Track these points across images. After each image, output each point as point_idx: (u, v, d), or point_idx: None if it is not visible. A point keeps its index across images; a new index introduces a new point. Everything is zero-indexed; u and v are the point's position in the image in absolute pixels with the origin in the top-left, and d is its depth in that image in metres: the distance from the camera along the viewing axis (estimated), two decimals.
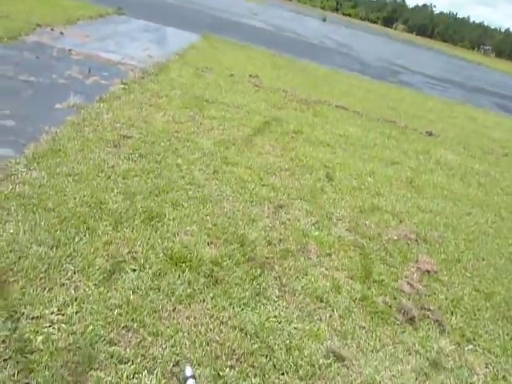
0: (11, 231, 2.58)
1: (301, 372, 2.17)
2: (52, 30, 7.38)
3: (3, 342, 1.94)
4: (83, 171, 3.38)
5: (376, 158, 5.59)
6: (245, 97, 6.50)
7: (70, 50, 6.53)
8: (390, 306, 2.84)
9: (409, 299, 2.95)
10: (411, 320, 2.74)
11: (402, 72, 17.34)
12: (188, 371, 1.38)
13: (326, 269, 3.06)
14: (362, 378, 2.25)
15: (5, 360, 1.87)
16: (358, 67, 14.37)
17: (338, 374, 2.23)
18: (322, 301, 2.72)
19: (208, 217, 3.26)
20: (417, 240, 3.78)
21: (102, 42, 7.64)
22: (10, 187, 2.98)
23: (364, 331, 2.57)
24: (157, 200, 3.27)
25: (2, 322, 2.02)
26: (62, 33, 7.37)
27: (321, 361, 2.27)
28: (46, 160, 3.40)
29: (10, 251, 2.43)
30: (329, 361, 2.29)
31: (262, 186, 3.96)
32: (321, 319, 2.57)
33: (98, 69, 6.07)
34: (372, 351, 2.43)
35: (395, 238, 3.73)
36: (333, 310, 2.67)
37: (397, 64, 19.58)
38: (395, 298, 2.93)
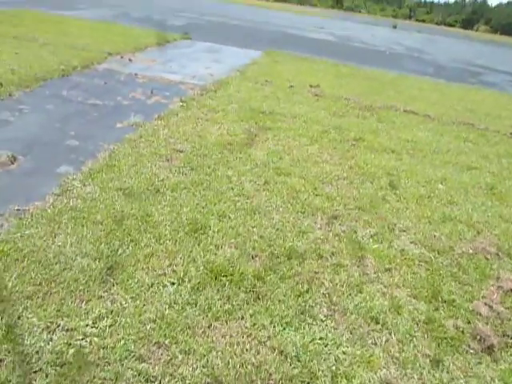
0: (59, 244, 2.64)
1: None
2: (121, 57, 7.89)
3: (37, 353, 1.94)
4: (134, 185, 3.42)
5: (449, 163, 5.04)
6: (303, 107, 6.32)
7: (135, 74, 6.90)
8: (463, 332, 2.42)
9: (487, 324, 2.50)
10: (489, 349, 2.30)
11: (483, 72, 15.93)
12: None
13: (385, 286, 2.72)
14: None
15: (35, 372, 1.86)
16: (431, 71, 13.47)
17: None
18: (377, 322, 2.39)
19: (255, 229, 3.10)
20: (498, 254, 3.25)
21: (165, 64, 8.00)
22: (65, 201, 3.10)
23: (428, 360, 2.20)
24: (203, 212, 3.19)
25: (38, 334, 2.03)
26: (130, 59, 7.85)
27: None
28: (100, 175, 3.51)
29: (56, 263, 2.48)
30: None
31: (316, 195, 3.72)
32: (375, 343, 2.25)
33: (160, 89, 6.31)
34: None
35: (471, 251, 3.24)
36: (390, 334, 2.33)
37: (477, 64, 18.09)
38: (469, 322, 2.50)
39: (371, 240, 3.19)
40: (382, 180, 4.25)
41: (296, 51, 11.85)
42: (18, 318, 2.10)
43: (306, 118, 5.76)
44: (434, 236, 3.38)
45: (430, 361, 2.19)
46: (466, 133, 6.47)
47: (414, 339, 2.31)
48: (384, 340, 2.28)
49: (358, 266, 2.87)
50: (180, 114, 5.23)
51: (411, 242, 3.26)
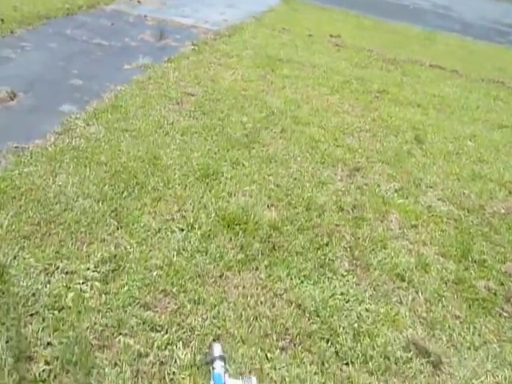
0: (60, 183, 2.44)
1: (371, 365, 1.72)
2: None
3: (33, 295, 1.77)
4: (141, 127, 3.18)
5: (479, 120, 4.69)
6: (323, 56, 5.90)
7: (145, 16, 6.47)
8: (495, 294, 2.22)
9: None
10: None
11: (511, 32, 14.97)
12: (216, 350, 1.03)
13: (411, 242, 2.50)
14: (454, 381, 1.73)
15: (31, 315, 1.70)
16: (457, 27, 12.64)
17: (421, 373, 1.73)
18: (403, 280, 2.20)
19: (271, 177, 2.87)
20: None
21: (177, 8, 7.48)
22: (67, 140, 2.88)
23: (458, 322, 2.01)
24: (215, 158, 2.96)
25: (35, 275, 1.86)
26: (139, 1, 7.35)
27: (398, 353, 1.79)
28: (105, 116, 3.26)
29: (56, 203, 2.29)
30: (409, 354, 1.79)
31: (337, 146, 3.45)
32: (401, 302, 2.07)
33: (171, 32, 5.89)
34: (469, 348, 1.88)
35: (503, 211, 3.00)
36: (417, 292, 2.14)
37: (505, 24, 16.99)
38: (502, 284, 2.30)
39: (396, 195, 2.95)
40: (407, 134, 3.95)
41: (315, 0, 11.11)
42: (14, 257, 1.93)
43: (326, 68, 5.37)
44: (463, 194, 3.13)
45: (461, 322, 2.01)
46: (496, 91, 6.04)
47: (443, 299, 2.12)
48: (410, 299, 2.09)
49: (381, 221, 2.65)
50: (191, 58, 4.88)
51: (439, 199, 3.01)
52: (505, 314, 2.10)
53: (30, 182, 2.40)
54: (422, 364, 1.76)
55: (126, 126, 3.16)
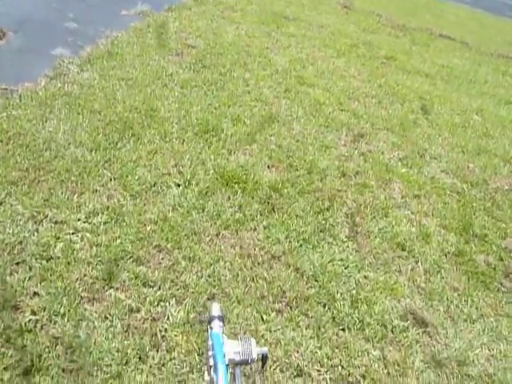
0: (50, 129, 2.30)
1: (367, 331, 1.68)
2: None
3: (20, 243, 1.68)
4: (138, 76, 3.00)
5: (486, 94, 4.57)
6: (331, 17, 5.64)
7: None
8: (494, 268, 2.19)
9: None
10: None
11: None
12: (215, 309, 0.95)
13: (413, 212, 2.44)
14: (450, 352, 1.70)
15: (17, 263, 1.61)
16: None
17: (417, 342, 1.71)
18: (403, 249, 2.15)
19: (272, 137, 2.75)
20: None
21: None
22: (59, 85, 2.71)
23: (456, 294, 1.98)
24: (215, 113, 2.82)
25: (22, 223, 1.76)
26: None
27: (395, 322, 1.75)
28: (100, 62, 3.07)
29: (46, 149, 2.16)
30: (406, 323, 1.76)
31: (341, 110, 3.32)
32: (400, 271, 2.02)
33: None
34: (466, 320, 1.85)
35: (506, 187, 2.94)
36: (417, 262, 2.09)
37: None
38: (502, 259, 2.26)
39: (399, 163, 2.86)
40: (413, 103, 3.82)
41: None
42: (0, 203, 1.82)
43: (334, 30, 5.14)
44: (468, 167, 3.05)
45: (459, 295, 1.97)
46: (505, 66, 5.88)
47: (443, 271, 2.08)
48: (410, 268, 2.04)
49: (384, 189, 2.57)
50: (193, 9, 4.61)
51: (442, 171, 2.94)
52: (503, 289, 2.07)
53: (19, 126, 2.26)
54: (419, 334, 1.74)
55: (122, 75, 2.98)
